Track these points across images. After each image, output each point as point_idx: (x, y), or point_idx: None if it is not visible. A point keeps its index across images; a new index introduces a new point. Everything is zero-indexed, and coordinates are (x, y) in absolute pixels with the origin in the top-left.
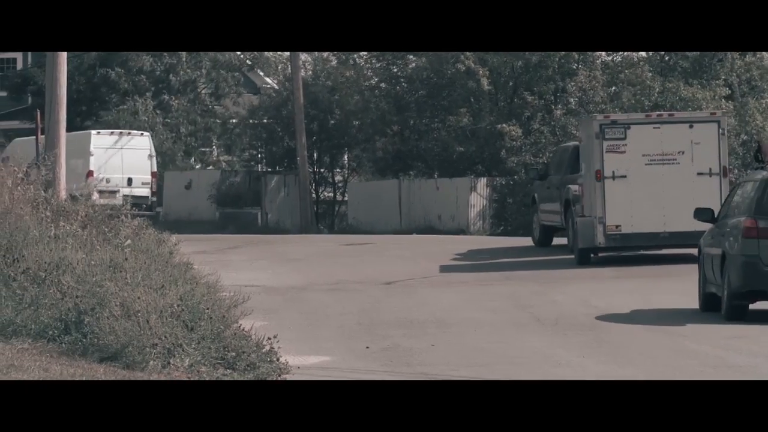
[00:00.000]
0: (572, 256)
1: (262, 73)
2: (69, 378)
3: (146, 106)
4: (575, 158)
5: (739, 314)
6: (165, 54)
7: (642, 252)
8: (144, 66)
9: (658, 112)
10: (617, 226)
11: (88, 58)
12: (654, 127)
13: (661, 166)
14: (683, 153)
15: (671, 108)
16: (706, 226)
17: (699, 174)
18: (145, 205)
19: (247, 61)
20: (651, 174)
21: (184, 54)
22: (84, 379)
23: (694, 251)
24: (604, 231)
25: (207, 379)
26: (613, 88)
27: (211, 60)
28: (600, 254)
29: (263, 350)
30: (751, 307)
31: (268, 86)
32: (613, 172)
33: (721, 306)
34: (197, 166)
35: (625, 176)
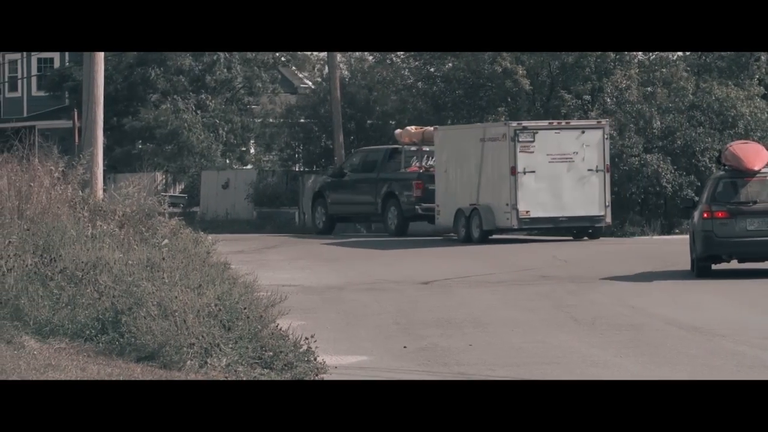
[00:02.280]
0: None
1: (299, 73)
2: (106, 377)
3: (187, 105)
4: (389, 158)
5: (705, 273)
6: (203, 53)
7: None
8: (182, 65)
9: (558, 120)
10: (527, 212)
11: (126, 57)
12: (555, 132)
13: (560, 163)
14: (577, 153)
15: (707, 108)
16: (592, 211)
17: (588, 170)
18: (182, 204)
19: (282, 58)
20: (553, 170)
21: (222, 54)
22: (121, 378)
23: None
24: (517, 215)
25: (244, 378)
26: (649, 88)
27: (245, 58)
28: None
29: (301, 350)
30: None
31: (305, 86)
32: (524, 168)
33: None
34: (235, 166)
35: (534, 171)
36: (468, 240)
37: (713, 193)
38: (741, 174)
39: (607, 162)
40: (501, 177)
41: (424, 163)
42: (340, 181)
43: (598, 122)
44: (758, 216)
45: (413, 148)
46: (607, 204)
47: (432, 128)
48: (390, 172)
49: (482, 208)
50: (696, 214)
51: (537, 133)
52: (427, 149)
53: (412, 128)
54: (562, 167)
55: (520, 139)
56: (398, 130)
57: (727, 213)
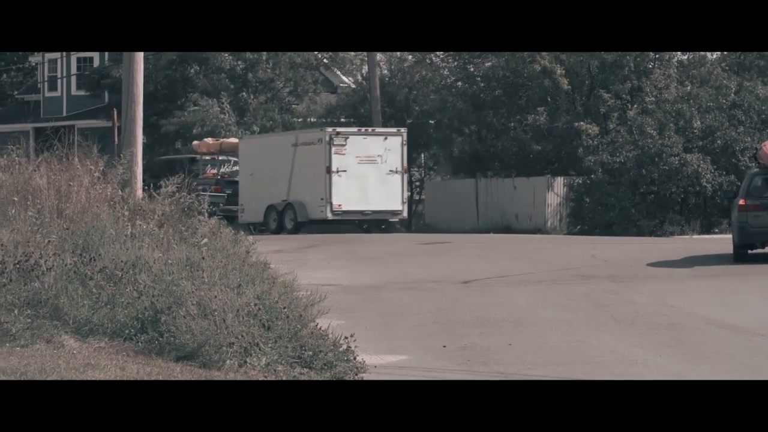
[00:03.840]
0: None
1: (339, 72)
2: (146, 377)
3: (221, 105)
4: (188, 166)
5: (741, 258)
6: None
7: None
8: (223, 64)
9: (365, 128)
10: (340, 205)
11: (167, 56)
12: (363, 138)
13: (367, 165)
14: (380, 156)
15: (748, 107)
16: (392, 206)
17: (389, 171)
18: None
19: (324, 60)
20: (361, 170)
21: (265, 54)
22: (161, 378)
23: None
24: (331, 208)
25: (284, 378)
26: (688, 87)
27: (289, 59)
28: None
29: (340, 349)
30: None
31: (345, 85)
32: (338, 168)
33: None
34: None
35: (345, 171)
36: (279, 231)
37: (748, 188)
38: None
39: (405, 164)
40: (317, 175)
41: (220, 170)
42: None
43: (398, 130)
44: None
45: (208, 158)
46: (404, 200)
47: (231, 140)
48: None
49: (296, 203)
50: (733, 207)
51: (348, 138)
52: (223, 158)
53: (209, 140)
54: (369, 168)
55: (335, 143)
56: (196, 142)
57: (759, 206)
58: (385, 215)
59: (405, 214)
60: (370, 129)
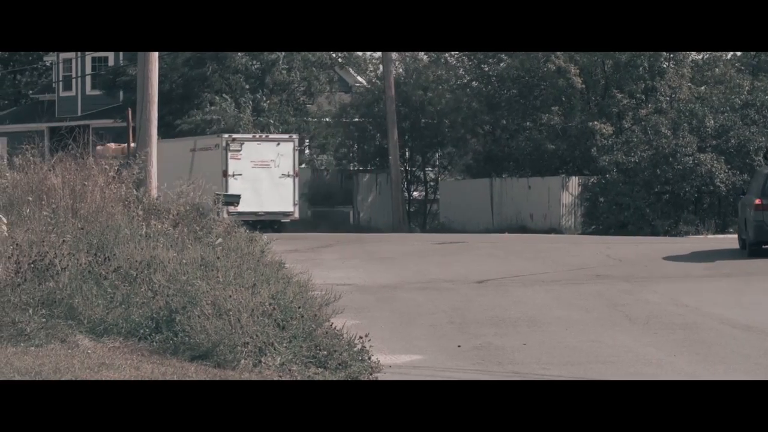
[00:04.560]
0: None
1: (353, 72)
2: (160, 376)
3: (238, 105)
4: None
5: (756, 254)
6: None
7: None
8: (238, 65)
9: (260, 134)
10: (234, 206)
11: (183, 55)
12: (258, 143)
13: (261, 169)
14: (273, 161)
15: (761, 106)
16: (284, 208)
17: (282, 175)
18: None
19: (339, 59)
20: (255, 174)
21: (281, 54)
22: (175, 378)
23: None
24: (227, 210)
25: (298, 378)
26: (703, 87)
27: (306, 59)
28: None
29: (355, 349)
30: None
31: (360, 84)
32: (233, 172)
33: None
34: None
35: (241, 174)
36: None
37: (763, 187)
38: None
39: (297, 169)
40: (213, 179)
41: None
42: None
43: (290, 136)
44: None
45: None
46: (295, 203)
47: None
48: None
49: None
50: (747, 205)
51: (244, 143)
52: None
53: (112, 145)
54: (263, 172)
55: (231, 148)
56: (99, 146)
57: None
58: (277, 216)
59: (297, 215)
60: (264, 135)
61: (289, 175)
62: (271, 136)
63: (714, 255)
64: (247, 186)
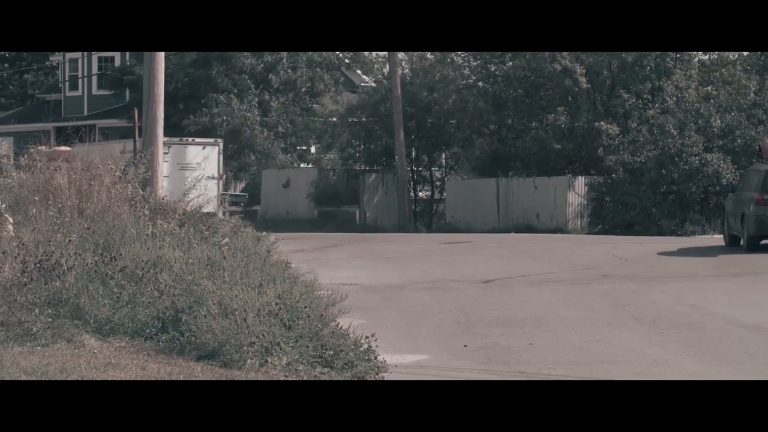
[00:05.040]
0: None
1: (359, 72)
2: (166, 376)
3: (244, 104)
4: None
5: (754, 248)
6: (266, 53)
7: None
8: (244, 65)
9: (186, 138)
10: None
11: (188, 56)
12: (184, 147)
13: (188, 171)
14: (200, 163)
15: None
16: (208, 209)
17: (207, 177)
18: (242, 203)
19: (345, 60)
20: (182, 175)
21: (285, 54)
22: (182, 378)
23: None
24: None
25: (305, 377)
26: (708, 87)
27: (311, 59)
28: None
29: (361, 349)
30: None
31: (366, 84)
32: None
33: (739, 242)
34: (296, 165)
35: (167, 176)
36: None
37: (763, 183)
38: None
39: (221, 171)
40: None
41: None
42: None
43: (215, 140)
44: None
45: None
46: (219, 204)
47: (62, 147)
48: None
49: None
50: (743, 201)
51: (171, 146)
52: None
53: (62, 148)
54: (189, 174)
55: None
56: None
57: None
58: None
59: (220, 215)
60: (190, 139)
61: (213, 177)
62: (197, 140)
63: (717, 253)
64: (174, 187)
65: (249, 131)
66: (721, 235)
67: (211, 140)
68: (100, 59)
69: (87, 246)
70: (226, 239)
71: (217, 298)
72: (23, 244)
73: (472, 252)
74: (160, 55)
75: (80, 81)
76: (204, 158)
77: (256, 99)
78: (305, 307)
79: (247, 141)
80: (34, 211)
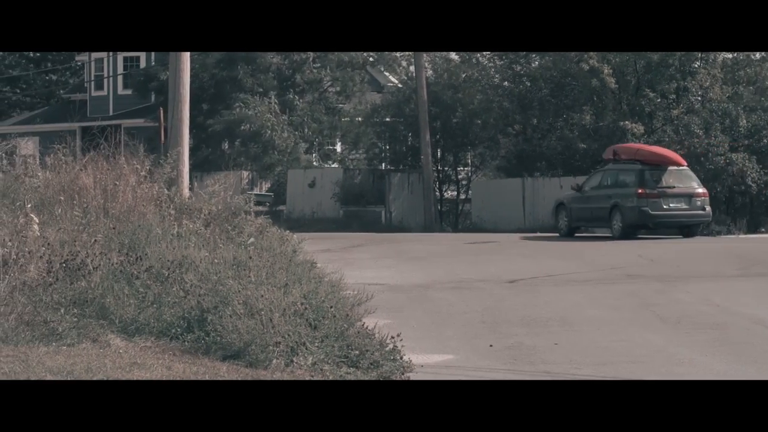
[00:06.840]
0: None
1: (385, 72)
2: (192, 376)
3: (270, 104)
4: None
5: (631, 235)
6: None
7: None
8: (270, 65)
9: None
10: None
11: (213, 56)
12: None
13: None
14: None
15: None
16: None
17: None
18: (268, 203)
19: (370, 59)
20: None
21: (311, 53)
22: (207, 378)
23: None
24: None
25: (330, 377)
26: (732, 87)
27: (337, 58)
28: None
29: (386, 348)
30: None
31: (391, 84)
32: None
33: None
34: (321, 165)
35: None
36: None
37: (641, 179)
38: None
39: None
40: None
41: None
42: None
43: None
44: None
45: None
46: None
47: None
48: None
49: None
50: (625, 193)
51: None
52: None
53: None
54: None
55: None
56: None
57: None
58: None
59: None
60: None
61: None
62: None
63: (747, 254)
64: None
65: (269, 132)
66: (749, 235)
67: None
68: (125, 59)
69: (112, 246)
70: (252, 239)
71: (243, 297)
72: (49, 243)
73: (497, 252)
74: (186, 56)
75: (105, 81)
76: None
77: (276, 101)
78: (331, 307)
79: (269, 141)
80: (59, 210)
